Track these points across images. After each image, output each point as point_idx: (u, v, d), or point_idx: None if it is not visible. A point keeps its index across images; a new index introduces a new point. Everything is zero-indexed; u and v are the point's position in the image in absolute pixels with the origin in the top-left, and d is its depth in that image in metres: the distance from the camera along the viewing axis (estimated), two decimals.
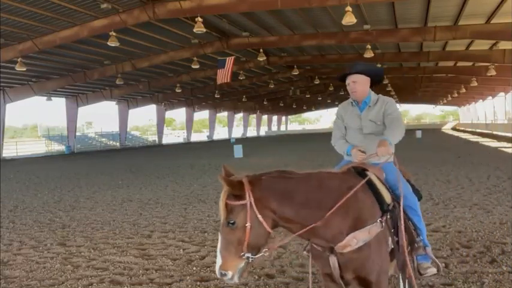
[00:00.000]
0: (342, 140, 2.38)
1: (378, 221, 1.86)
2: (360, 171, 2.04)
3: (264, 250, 1.76)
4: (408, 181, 2.29)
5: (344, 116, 2.38)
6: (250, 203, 1.69)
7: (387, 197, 2.01)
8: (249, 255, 1.69)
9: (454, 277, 3.10)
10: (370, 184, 1.98)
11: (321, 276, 2.06)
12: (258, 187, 1.72)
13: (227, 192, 1.69)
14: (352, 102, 2.36)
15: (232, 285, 3.02)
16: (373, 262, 1.84)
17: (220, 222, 1.73)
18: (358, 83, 2.26)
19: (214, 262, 3.57)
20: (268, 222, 1.74)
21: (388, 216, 1.93)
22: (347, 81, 2.30)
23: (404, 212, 1.99)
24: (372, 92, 2.35)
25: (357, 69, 2.28)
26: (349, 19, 10.51)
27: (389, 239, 1.94)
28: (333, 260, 1.84)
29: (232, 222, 1.67)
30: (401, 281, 2.02)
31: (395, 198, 2.02)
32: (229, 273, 1.67)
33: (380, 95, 2.36)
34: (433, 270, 2.10)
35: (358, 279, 1.87)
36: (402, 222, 1.93)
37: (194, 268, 3.48)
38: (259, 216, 1.70)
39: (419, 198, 2.30)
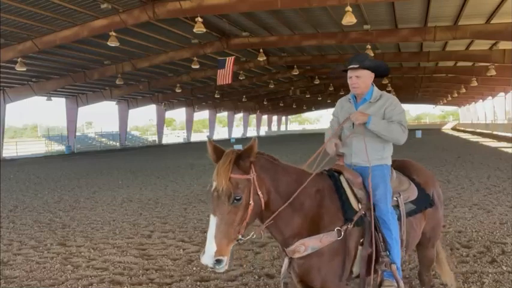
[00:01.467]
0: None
1: (336, 230, 1.77)
2: (332, 174, 1.98)
3: (252, 233, 1.69)
4: (419, 185, 2.14)
5: (340, 113, 2.21)
6: (253, 178, 1.60)
7: (354, 204, 1.90)
8: (240, 236, 1.59)
9: (454, 277, 3.11)
10: (338, 188, 1.90)
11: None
12: (258, 163, 1.65)
13: (232, 164, 1.54)
14: (350, 99, 2.18)
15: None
16: (319, 270, 1.77)
17: (215, 202, 1.54)
18: (362, 79, 2.06)
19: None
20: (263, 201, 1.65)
21: (351, 225, 1.82)
22: (349, 75, 2.06)
23: (376, 222, 1.90)
24: (375, 88, 2.14)
25: (364, 64, 2.04)
26: (349, 19, 10.51)
27: (357, 247, 1.86)
28: (286, 262, 1.84)
29: (238, 198, 1.54)
30: None
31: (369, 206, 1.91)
32: (225, 259, 1.51)
33: (384, 92, 2.17)
34: None
35: (302, 283, 1.84)
36: (372, 232, 1.86)
37: (194, 268, 3.48)
38: (259, 192, 1.61)
39: (428, 205, 2.15)
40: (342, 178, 1.99)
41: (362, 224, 1.89)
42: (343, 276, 1.84)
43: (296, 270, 1.82)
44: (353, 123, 2.08)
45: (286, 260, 1.84)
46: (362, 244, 1.88)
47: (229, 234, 1.56)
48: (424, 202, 2.15)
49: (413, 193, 2.12)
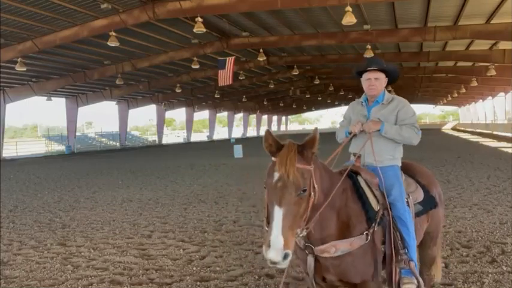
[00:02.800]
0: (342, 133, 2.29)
1: (364, 234, 1.82)
2: (351, 175, 2.01)
3: (306, 226, 1.62)
4: (424, 187, 2.21)
5: (352, 116, 2.26)
6: (313, 169, 1.58)
7: (374, 203, 1.93)
8: (299, 231, 1.56)
9: (454, 277, 3.10)
10: (358, 189, 1.93)
11: (304, 276, 2.01)
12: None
13: (296, 154, 1.51)
14: (362, 102, 2.23)
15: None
16: (356, 268, 1.82)
17: (280, 193, 1.46)
18: (380, 81, 2.14)
19: (214, 262, 3.63)
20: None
21: (376, 226, 1.87)
22: (368, 76, 2.11)
23: (393, 221, 1.95)
24: (386, 91, 2.23)
25: (384, 67, 2.13)
26: (349, 19, 10.51)
27: (381, 246, 1.92)
28: (310, 261, 1.80)
29: (304, 188, 1.51)
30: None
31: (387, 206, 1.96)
32: (291, 253, 1.44)
33: (395, 95, 2.25)
34: (412, 287, 1.99)
35: (342, 282, 1.86)
36: (392, 232, 1.91)
37: (194, 268, 3.48)
38: (316, 185, 1.60)
39: (433, 206, 2.21)
40: (360, 178, 2.01)
41: (381, 224, 1.93)
42: (379, 273, 1.89)
43: (329, 269, 1.82)
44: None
45: (311, 259, 1.80)
46: (383, 243, 1.93)
47: (294, 226, 1.50)
48: (429, 203, 2.20)
49: (420, 195, 2.18)
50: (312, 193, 1.58)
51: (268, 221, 1.53)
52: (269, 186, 1.54)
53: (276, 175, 1.52)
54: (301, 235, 1.62)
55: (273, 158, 1.59)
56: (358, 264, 1.82)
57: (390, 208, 1.96)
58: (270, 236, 1.44)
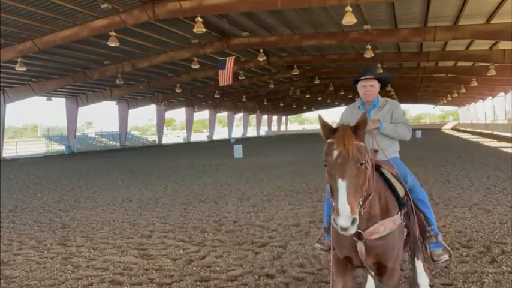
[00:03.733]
0: None
1: (399, 213, 2.01)
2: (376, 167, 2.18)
3: (363, 206, 1.80)
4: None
5: (350, 119, 2.39)
6: (365, 145, 1.82)
7: (401, 191, 2.14)
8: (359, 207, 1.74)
9: (454, 277, 3.10)
10: (386, 178, 2.12)
11: (331, 262, 2.10)
12: None
13: (351, 133, 1.75)
14: (359, 106, 2.51)
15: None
16: (394, 249, 1.97)
17: (342, 168, 1.68)
18: (374, 87, 2.45)
19: (214, 262, 3.62)
20: None
21: (404, 209, 2.09)
22: (363, 84, 2.42)
23: (414, 204, 2.20)
24: (378, 95, 2.54)
25: (377, 76, 2.43)
26: (349, 19, 10.51)
27: (405, 229, 2.11)
28: (360, 246, 1.91)
29: (362, 162, 1.72)
30: (416, 266, 2.29)
31: (406, 191, 2.19)
32: (358, 218, 1.62)
33: (387, 98, 2.59)
34: (446, 256, 2.29)
35: (377, 264, 1.98)
36: (414, 214, 2.15)
37: (194, 268, 3.47)
38: (368, 159, 1.81)
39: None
40: (383, 170, 2.19)
41: (405, 208, 2.12)
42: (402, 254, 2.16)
43: (371, 251, 1.94)
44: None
45: (361, 244, 1.91)
46: (406, 226, 2.12)
47: (357, 196, 1.70)
48: None
49: None
50: (368, 166, 1.80)
51: (332, 195, 1.73)
52: (330, 163, 1.74)
53: (336, 153, 1.73)
54: (362, 212, 1.80)
55: (328, 140, 1.81)
56: (395, 243, 1.97)
57: (410, 193, 2.20)
58: (337, 205, 1.63)
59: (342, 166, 1.68)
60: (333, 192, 1.70)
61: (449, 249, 2.33)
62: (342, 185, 1.65)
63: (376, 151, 2.29)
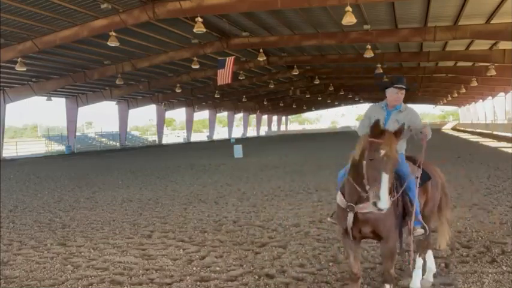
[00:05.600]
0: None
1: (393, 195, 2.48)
2: None
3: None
4: (424, 170, 2.90)
5: (374, 116, 2.76)
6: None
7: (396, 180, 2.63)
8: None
9: (454, 277, 3.10)
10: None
11: (341, 236, 2.74)
12: None
13: (394, 138, 2.29)
14: (383, 107, 2.90)
15: None
16: (384, 222, 2.47)
17: (387, 164, 2.21)
18: (403, 95, 2.88)
19: (214, 262, 3.62)
20: None
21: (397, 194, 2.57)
22: (397, 91, 2.82)
23: (404, 190, 2.68)
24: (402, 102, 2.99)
25: (408, 88, 2.88)
26: (349, 19, 10.51)
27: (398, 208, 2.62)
28: (350, 217, 2.47)
29: (396, 162, 2.34)
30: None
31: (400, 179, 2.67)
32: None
33: (407, 105, 2.98)
34: (421, 231, 2.78)
35: (373, 233, 2.52)
36: (403, 196, 2.70)
37: (194, 268, 3.47)
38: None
39: (427, 179, 2.96)
40: None
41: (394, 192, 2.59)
42: (398, 226, 2.64)
43: (365, 222, 2.47)
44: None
45: (351, 215, 2.48)
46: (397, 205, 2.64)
47: (391, 187, 2.25)
48: (424, 178, 2.95)
49: (419, 173, 2.90)
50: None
51: (369, 184, 2.25)
52: (378, 159, 2.23)
53: (383, 151, 2.23)
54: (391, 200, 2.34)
55: (374, 140, 2.29)
56: (386, 218, 2.47)
57: (403, 181, 2.67)
58: (380, 192, 2.17)
59: (386, 163, 2.21)
60: (371, 182, 2.22)
61: (426, 226, 2.80)
62: (384, 177, 2.18)
63: None
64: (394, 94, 2.83)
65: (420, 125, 2.87)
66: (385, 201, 2.15)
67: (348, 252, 2.66)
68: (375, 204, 2.18)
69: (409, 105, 2.97)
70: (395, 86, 2.81)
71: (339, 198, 2.59)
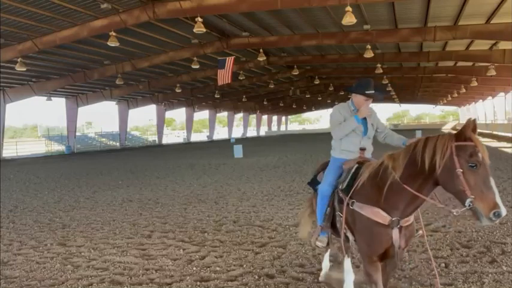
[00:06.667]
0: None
1: None
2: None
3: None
4: None
5: (345, 119, 2.66)
6: None
7: None
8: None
9: (454, 277, 3.10)
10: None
11: (367, 263, 2.26)
12: None
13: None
14: (353, 110, 2.67)
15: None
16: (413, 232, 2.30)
17: (489, 169, 1.94)
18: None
19: (214, 262, 3.62)
20: None
21: None
22: (364, 98, 2.63)
23: None
24: None
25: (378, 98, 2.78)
26: (349, 19, 10.50)
27: None
28: (395, 234, 2.15)
29: None
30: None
31: None
32: None
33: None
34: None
35: (405, 247, 2.27)
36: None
37: (194, 268, 3.47)
38: None
39: None
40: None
41: None
42: None
43: (406, 236, 2.22)
44: (361, 131, 2.66)
45: (396, 231, 2.17)
46: None
47: None
48: None
49: None
50: None
51: (474, 193, 1.89)
52: (484, 164, 1.91)
53: (486, 156, 1.94)
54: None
55: (467, 143, 1.95)
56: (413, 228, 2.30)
57: None
58: (496, 199, 1.86)
59: (489, 167, 1.94)
60: (482, 189, 1.88)
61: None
62: (493, 182, 1.90)
63: (364, 149, 2.65)
64: (365, 101, 2.62)
65: (382, 124, 2.77)
66: (504, 207, 1.86)
67: (377, 281, 2.18)
68: (497, 214, 1.83)
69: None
70: (365, 94, 2.58)
71: (374, 214, 2.13)
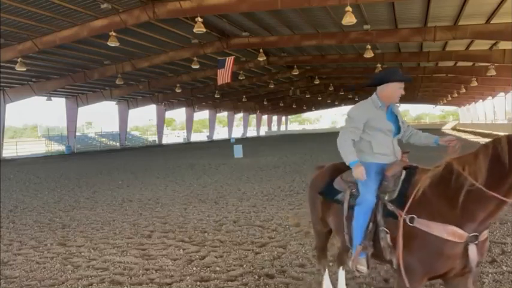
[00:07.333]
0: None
1: None
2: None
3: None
4: None
5: (369, 119, 2.27)
6: None
7: None
8: None
9: None
10: None
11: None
12: None
13: None
14: (381, 106, 2.30)
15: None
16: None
17: None
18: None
19: (214, 262, 3.62)
20: None
21: None
22: (398, 86, 2.25)
23: None
24: None
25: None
26: (349, 19, 10.50)
27: None
28: (472, 250, 1.82)
29: None
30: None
31: None
32: None
33: None
34: None
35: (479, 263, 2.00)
36: None
37: (194, 268, 3.45)
38: None
39: None
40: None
41: None
42: None
43: (482, 250, 1.92)
44: (392, 130, 2.33)
45: (473, 248, 1.85)
46: None
47: None
48: None
49: None
50: None
51: None
52: None
53: None
54: None
55: None
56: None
57: None
58: None
59: None
60: None
61: None
62: None
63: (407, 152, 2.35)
64: (398, 90, 2.25)
65: (404, 121, 2.47)
66: None
67: None
68: None
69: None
70: (403, 78, 2.23)
71: (449, 233, 1.80)
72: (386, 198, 2.09)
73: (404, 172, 2.13)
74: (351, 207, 2.23)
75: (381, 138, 2.29)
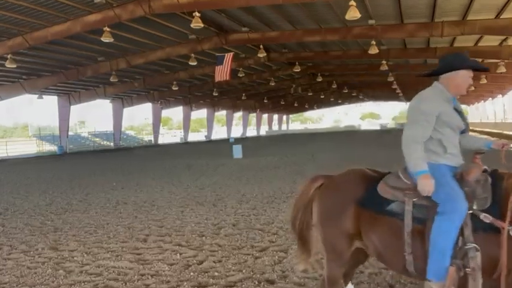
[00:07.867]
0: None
1: None
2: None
3: None
4: None
5: (441, 113, 1.99)
6: None
7: None
8: None
9: None
10: None
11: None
12: None
13: None
14: (450, 98, 2.05)
15: None
16: None
17: None
18: None
19: (212, 267, 3.37)
20: None
21: None
22: (469, 75, 2.03)
23: None
24: None
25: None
26: (353, 14, 10.32)
27: None
28: None
29: None
30: None
31: None
32: None
33: None
34: None
35: None
36: None
37: (191, 273, 3.36)
38: None
39: None
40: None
41: None
42: None
43: None
44: (462, 127, 2.09)
45: None
46: None
47: None
48: None
49: None
50: None
51: None
52: None
53: None
54: None
55: None
56: None
57: None
58: None
59: None
60: None
61: None
62: None
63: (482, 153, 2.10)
64: (467, 78, 2.02)
65: None
66: None
67: None
68: None
69: None
70: (476, 65, 2.04)
71: None
72: (475, 207, 1.82)
73: (489, 177, 1.91)
74: (419, 221, 1.91)
75: (450, 135, 2.04)
